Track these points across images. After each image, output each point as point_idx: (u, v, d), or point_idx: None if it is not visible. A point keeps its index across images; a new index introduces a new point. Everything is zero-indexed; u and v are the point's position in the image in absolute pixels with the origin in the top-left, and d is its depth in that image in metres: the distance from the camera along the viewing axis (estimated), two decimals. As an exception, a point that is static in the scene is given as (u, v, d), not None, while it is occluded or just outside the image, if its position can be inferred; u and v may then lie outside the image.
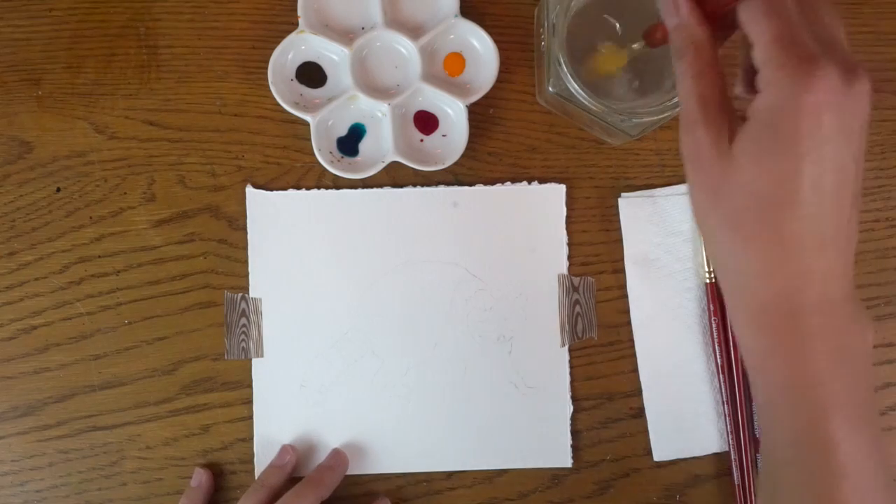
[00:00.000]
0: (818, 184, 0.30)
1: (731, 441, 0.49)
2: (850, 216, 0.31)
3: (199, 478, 0.49)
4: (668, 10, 0.35)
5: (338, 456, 0.50)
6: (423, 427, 0.50)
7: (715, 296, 0.49)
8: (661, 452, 0.50)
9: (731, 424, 0.49)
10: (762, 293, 0.32)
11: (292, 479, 0.49)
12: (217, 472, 0.50)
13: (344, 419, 0.50)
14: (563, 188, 0.51)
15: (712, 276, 0.49)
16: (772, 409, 0.33)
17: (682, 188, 0.50)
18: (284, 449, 0.49)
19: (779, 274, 0.31)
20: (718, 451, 0.50)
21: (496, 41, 0.49)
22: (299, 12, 0.49)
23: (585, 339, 0.50)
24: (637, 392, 0.50)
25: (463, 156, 0.49)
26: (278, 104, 0.49)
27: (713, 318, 0.49)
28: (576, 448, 0.50)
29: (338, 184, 0.51)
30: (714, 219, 0.33)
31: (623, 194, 0.50)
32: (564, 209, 0.51)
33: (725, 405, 0.49)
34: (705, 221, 0.33)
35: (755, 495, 0.49)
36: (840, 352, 0.31)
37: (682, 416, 0.50)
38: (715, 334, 0.49)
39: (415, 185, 0.51)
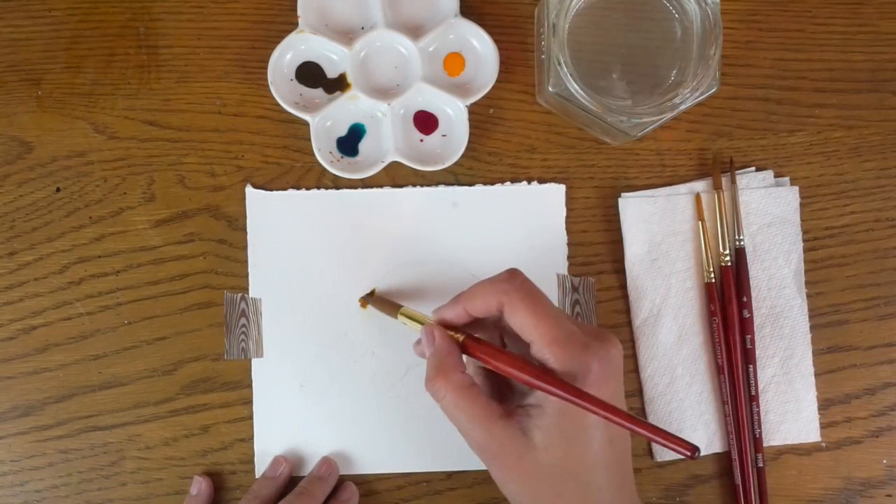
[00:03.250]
0: (609, 440, 0.39)
1: (731, 441, 0.49)
2: (627, 471, 0.40)
3: (199, 486, 0.49)
4: (421, 346, 0.42)
5: (328, 465, 0.50)
6: (422, 427, 0.50)
7: (715, 296, 0.49)
8: (662, 452, 0.50)
9: (731, 424, 0.49)
10: None
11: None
12: (216, 473, 0.50)
13: (343, 419, 0.50)
14: (562, 188, 0.51)
15: (713, 275, 0.49)
16: None
17: (682, 188, 0.50)
18: (277, 460, 0.49)
19: None
20: (719, 450, 0.50)
21: (496, 41, 0.49)
22: (299, 12, 0.49)
23: (585, 339, 0.50)
24: (636, 392, 0.50)
25: (463, 156, 0.49)
26: (278, 104, 0.49)
27: (714, 319, 0.49)
28: (576, 448, 0.50)
29: (337, 184, 0.51)
30: (531, 499, 0.39)
31: (623, 194, 0.50)
32: (564, 209, 0.51)
33: (726, 405, 0.49)
34: (515, 498, 0.40)
35: (756, 494, 0.49)
36: None
37: (683, 416, 0.50)
38: (715, 334, 0.49)
39: (414, 185, 0.51)
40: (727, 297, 0.49)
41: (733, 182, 0.50)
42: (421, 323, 0.42)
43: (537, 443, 0.38)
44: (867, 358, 0.51)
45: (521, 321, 0.39)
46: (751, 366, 0.49)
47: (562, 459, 0.38)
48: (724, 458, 0.50)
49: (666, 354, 0.50)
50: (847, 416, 0.50)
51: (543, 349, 0.38)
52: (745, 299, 0.49)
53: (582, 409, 0.36)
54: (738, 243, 0.49)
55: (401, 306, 0.44)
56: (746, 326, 0.49)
